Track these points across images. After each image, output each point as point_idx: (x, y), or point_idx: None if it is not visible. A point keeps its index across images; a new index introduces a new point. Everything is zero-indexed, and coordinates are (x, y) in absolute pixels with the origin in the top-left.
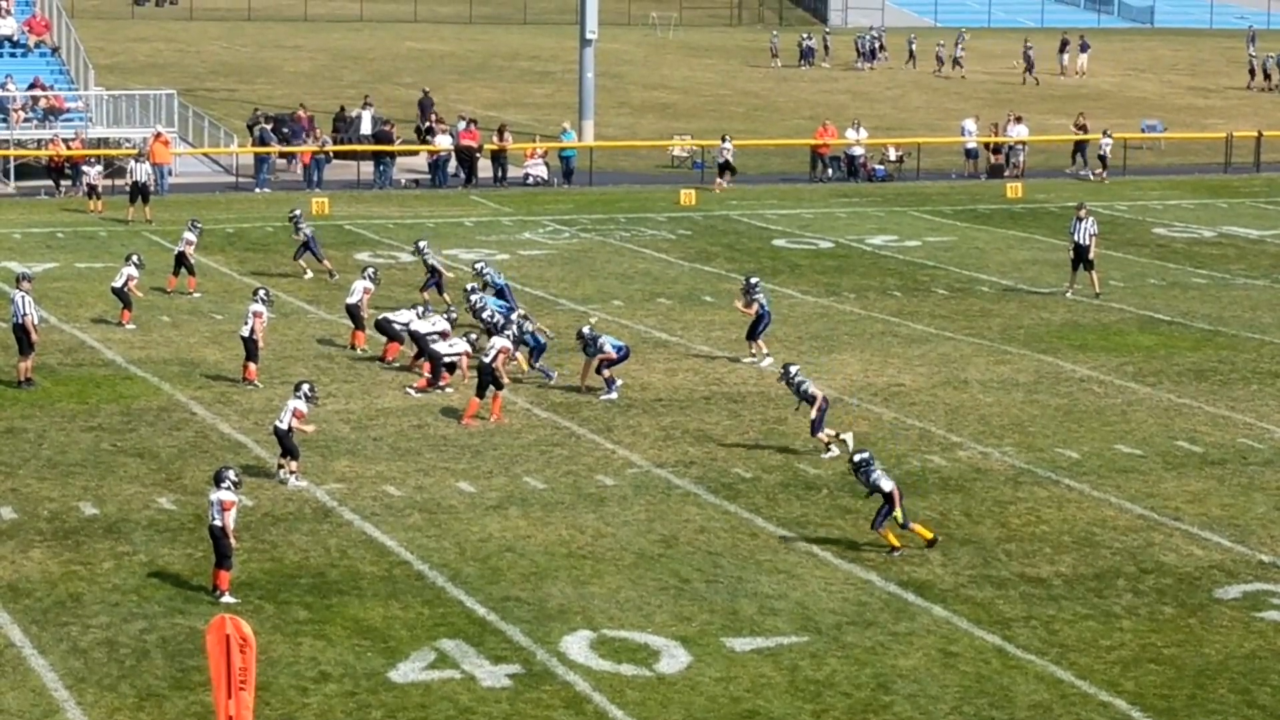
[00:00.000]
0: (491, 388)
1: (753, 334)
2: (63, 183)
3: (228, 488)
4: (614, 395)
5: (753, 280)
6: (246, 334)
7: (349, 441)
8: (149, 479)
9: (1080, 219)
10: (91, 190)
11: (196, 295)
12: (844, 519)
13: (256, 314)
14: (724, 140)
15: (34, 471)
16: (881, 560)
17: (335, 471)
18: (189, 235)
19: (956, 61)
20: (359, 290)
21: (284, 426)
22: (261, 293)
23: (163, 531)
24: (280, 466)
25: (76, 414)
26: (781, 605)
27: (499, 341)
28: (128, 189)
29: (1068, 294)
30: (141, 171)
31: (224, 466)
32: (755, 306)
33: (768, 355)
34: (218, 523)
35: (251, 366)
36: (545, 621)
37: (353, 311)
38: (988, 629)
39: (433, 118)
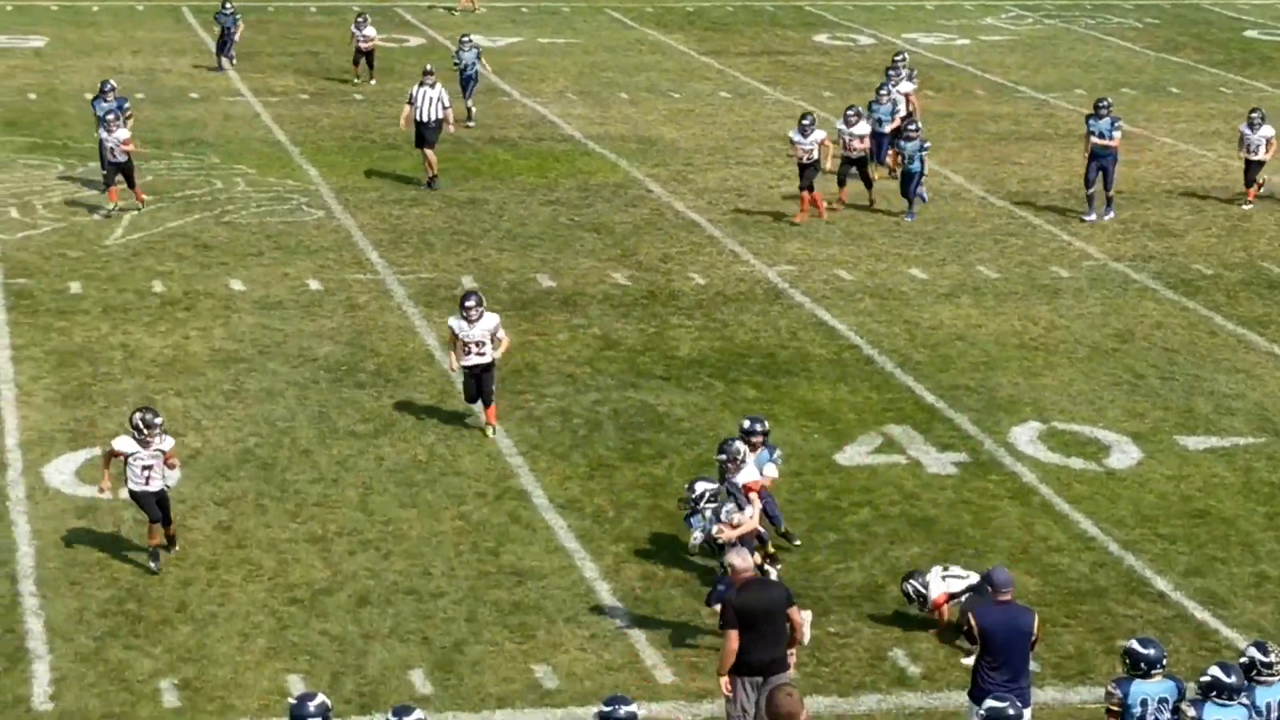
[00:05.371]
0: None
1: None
2: None
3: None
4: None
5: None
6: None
7: (801, 225)
8: (604, 254)
9: None
10: None
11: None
12: None
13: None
14: None
15: (494, 242)
16: None
17: (787, 254)
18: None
19: None
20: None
21: None
22: None
23: (616, 306)
24: None
25: (536, 188)
26: (1239, 405)
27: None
28: None
29: None
30: None
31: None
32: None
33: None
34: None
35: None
36: (994, 411)
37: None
38: None
39: None
